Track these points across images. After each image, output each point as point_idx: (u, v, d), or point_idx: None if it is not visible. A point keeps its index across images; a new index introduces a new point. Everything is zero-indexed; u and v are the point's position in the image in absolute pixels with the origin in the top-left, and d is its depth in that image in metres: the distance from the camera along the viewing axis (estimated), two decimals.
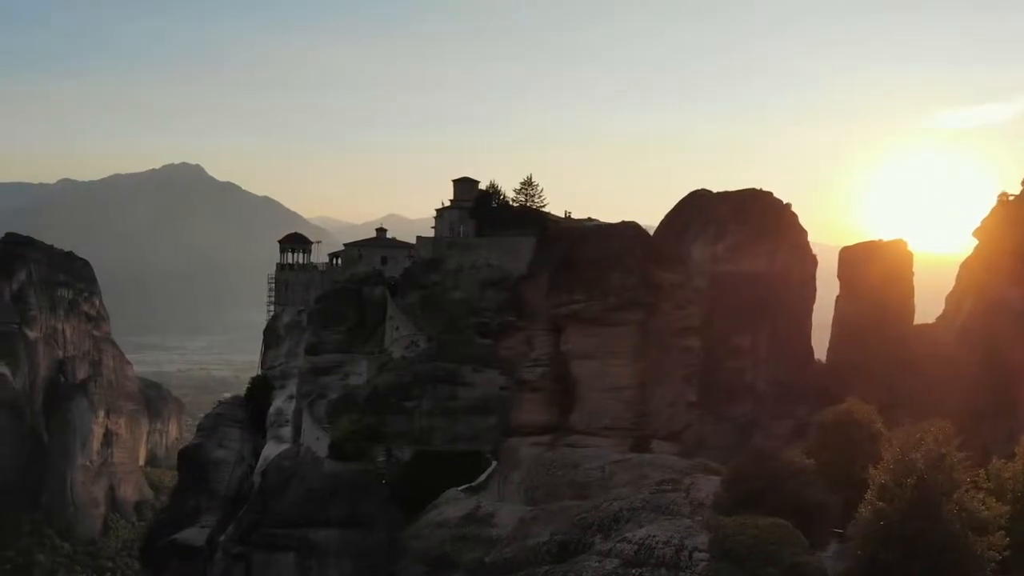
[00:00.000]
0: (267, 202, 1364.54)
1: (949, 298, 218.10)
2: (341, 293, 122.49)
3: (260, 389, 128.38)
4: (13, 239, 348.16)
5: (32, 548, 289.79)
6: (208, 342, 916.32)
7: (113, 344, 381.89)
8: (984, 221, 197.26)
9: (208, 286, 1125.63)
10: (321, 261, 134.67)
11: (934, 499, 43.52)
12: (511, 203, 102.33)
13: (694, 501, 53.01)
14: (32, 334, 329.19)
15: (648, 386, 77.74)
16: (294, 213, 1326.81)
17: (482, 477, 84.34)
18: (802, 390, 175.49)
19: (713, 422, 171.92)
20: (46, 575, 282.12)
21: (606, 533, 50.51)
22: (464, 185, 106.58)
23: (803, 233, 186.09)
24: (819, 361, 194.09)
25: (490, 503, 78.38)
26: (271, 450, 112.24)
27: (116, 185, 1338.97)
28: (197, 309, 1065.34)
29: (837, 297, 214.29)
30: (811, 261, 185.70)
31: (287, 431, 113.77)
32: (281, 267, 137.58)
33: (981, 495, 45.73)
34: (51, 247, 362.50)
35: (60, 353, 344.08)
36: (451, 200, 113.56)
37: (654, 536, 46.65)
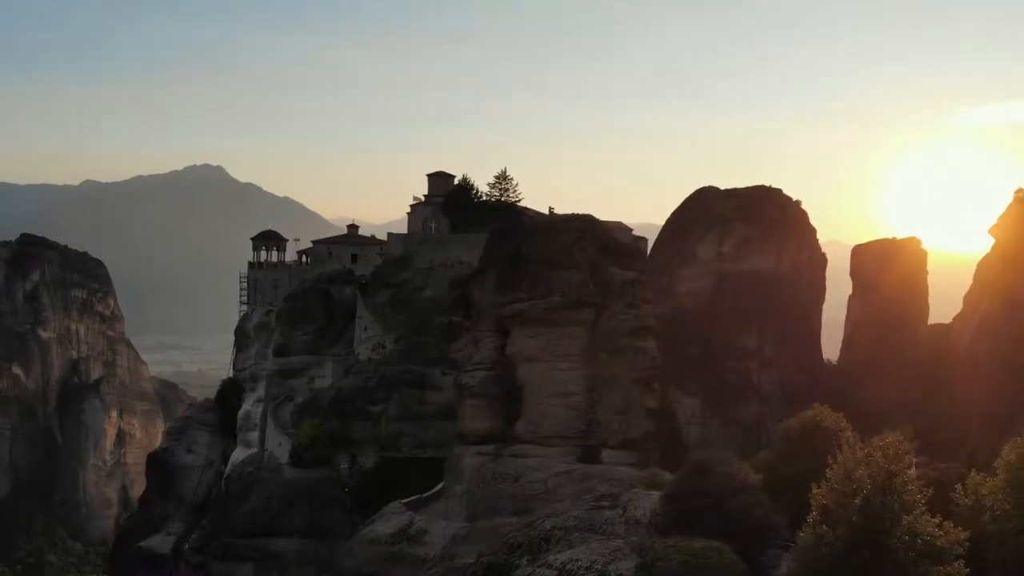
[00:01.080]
0: (287, 203, 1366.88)
1: (967, 297, 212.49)
2: (309, 292, 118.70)
3: (230, 391, 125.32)
4: (27, 240, 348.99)
5: (44, 548, 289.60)
6: (228, 342, 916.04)
7: (128, 344, 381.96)
8: (1000, 219, 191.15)
9: (229, 286, 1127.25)
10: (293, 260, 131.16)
11: (882, 524, 38.87)
12: (486, 198, 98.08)
13: (630, 519, 49.15)
14: (45, 334, 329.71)
15: (597, 391, 72.41)
16: (314, 213, 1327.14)
17: (436, 488, 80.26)
18: (810, 392, 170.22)
19: (719, 424, 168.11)
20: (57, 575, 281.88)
21: (534, 555, 46.78)
22: (439, 179, 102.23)
23: (812, 231, 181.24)
24: (829, 362, 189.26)
25: (424, 519, 74.65)
26: (239, 455, 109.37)
27: (139, 186, 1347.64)
28: (218, 309, 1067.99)
29: (850, 296, 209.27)
30: (820, 259, 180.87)
31: (255, 436, 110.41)
32: (251, 265, 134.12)
33: (937, 519, 40.99)
34: (65, 247, 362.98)
35: (74, 353, 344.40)
36: (425, 195, 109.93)
37: (577, 560, 43.00)
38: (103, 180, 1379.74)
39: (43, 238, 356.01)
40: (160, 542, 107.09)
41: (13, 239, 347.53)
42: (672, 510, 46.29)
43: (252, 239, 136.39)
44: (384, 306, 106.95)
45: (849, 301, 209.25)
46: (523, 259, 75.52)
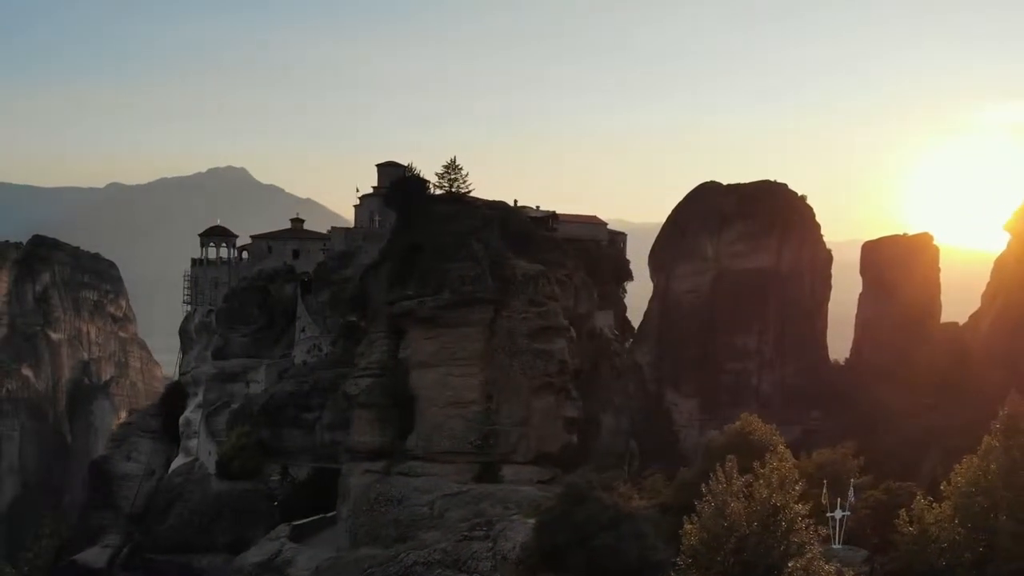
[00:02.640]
0: (310, 204, 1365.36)
1: (985, 295, 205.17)
2: (247, 291, 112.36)
3: (174, 396, 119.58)
4: (38, 241, 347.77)
5: (52, 550, 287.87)
6: None
7: (142, 345, 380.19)
8: (1015, 213, 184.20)
9: None
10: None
11: (762, 571, 32.29)
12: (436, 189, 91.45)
13: (499, 553, 43.08)
14: (55, 336, 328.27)
15: (496, 400, 63.30)
16: (335, 214, 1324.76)
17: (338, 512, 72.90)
18: (813, 393, 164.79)
19: (716, 427, 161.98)
20: None
21: None
22: (389, 170, 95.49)
23: (816, 226, 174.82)
24: (835, 362, 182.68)
25: (296, 547, 67.46)
26: (177, 464, 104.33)
27: (163, 188, 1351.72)
28: None
29: (860, 295, 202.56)
30: (824, 256, 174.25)
31: (195, 443, 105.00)
32: (194, 262, 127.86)
33: (829, 567, 33.15)
34: (77, 248, 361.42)
35: (85, 354, 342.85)
36: (374, 187, 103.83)
37: None
38: (128, 182, 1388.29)
39: (54, 239, 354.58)
40: (96, 555, 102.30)
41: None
42: (538, 545, 40.11)
43: (200, 235, 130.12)
44: (324, 306, 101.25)
45: (860, 299, 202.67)
46: (415, 250, 67.43)
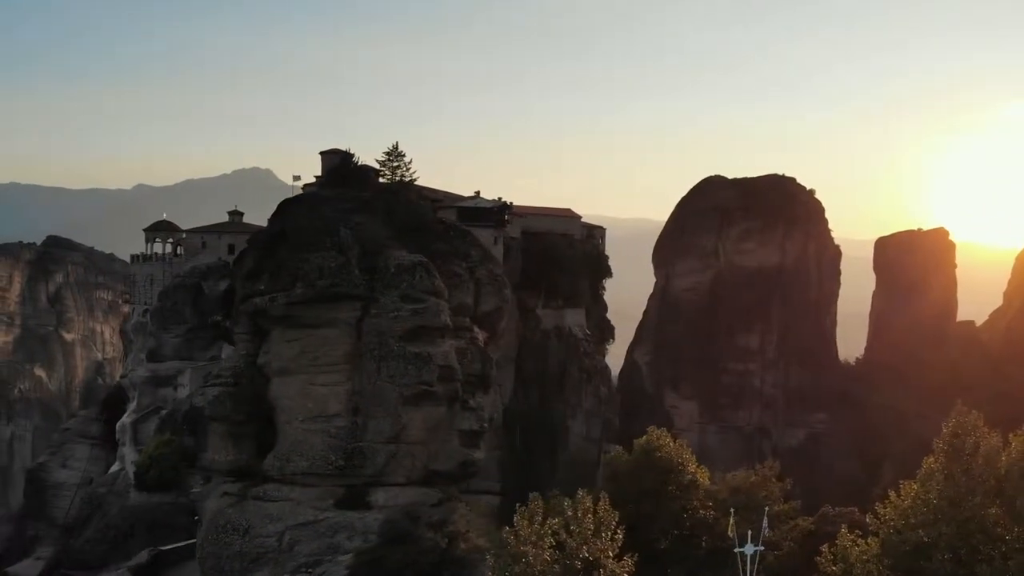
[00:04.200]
0: None
1: (1007, 293, 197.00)
2: (179, 289, 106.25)
3: (115, 400, 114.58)
4: (52, 242, 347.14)
5: None
6: None
7: None
8: None
9: None
10: None
11: None
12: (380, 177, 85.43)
13: None
14: (69, 336, 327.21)
15: (364, 413, 52.55)
16: None
17: None
18: (819, 395, 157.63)
19: (716, 431, 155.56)
20: None
21: None
22: (333, 158, 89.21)
23: (824, 221, 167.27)
24: (846, 363, 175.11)
25: None
26: (110, 473, 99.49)
27: (189, 189, 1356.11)
28: None
29: (873, 292, 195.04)
30: (832, 252, 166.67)
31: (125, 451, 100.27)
32: (133, 259, 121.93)
33: None
34: (92, 249, 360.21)
35: (99, 355, 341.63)
36: (316, 176, 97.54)
37: None
38: (154, 184, 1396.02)
39: (68, 240, 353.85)
40: (28, 567, 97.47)
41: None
42: None
43: (144, 230, 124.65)
44: None
45: (873, 297, 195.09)
46: (279, 238, 57.29)
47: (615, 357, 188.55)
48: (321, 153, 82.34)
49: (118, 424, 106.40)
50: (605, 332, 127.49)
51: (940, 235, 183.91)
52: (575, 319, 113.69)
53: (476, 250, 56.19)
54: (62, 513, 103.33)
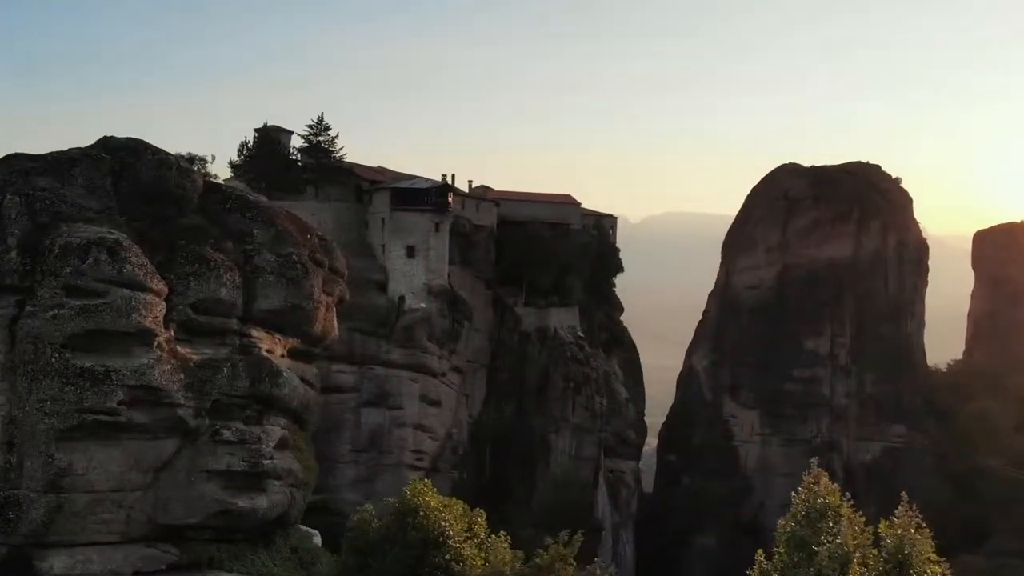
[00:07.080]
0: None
1: None
2: None
3: None
4: None
5: None
6: None
7: None
8: None
9: None
10: None
11: None
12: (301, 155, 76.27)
13: None
14: None
15: (20, 449, 32.65)
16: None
17: None
18: (898, 405, 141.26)
19: (780, 444, 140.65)
20: None
21: None
22: (270, 136, 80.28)
23: (908, 212, 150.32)
24: (935, 369, 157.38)
25: None
26: None
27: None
28: None
29: (972, 291, 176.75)
30: (917, 245, 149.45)
31: None
32: None
33: None
34: None
35: None
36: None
37: None
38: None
39: None
40: None
41: None
42: None
43: None
44: None
45: (972, 296, 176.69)
46: None
47: (672, 360, 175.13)
48: (256, 130, 72.96)
49: None
50: (612, 336, 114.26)
51: None
52: (564, 320, 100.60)
53: (268, 231, 37.30)
54: None
